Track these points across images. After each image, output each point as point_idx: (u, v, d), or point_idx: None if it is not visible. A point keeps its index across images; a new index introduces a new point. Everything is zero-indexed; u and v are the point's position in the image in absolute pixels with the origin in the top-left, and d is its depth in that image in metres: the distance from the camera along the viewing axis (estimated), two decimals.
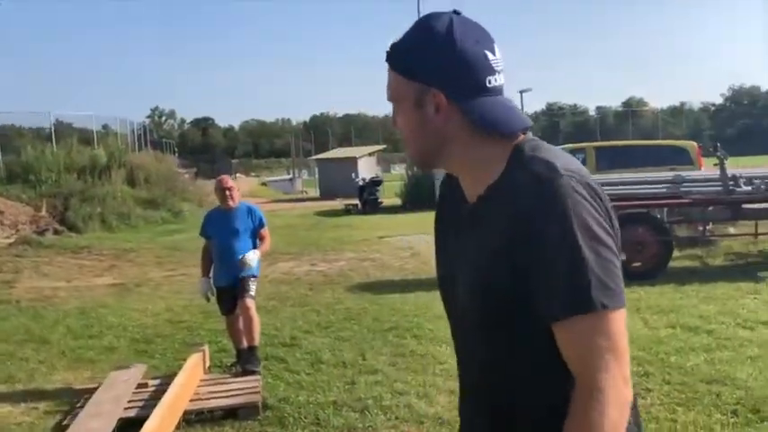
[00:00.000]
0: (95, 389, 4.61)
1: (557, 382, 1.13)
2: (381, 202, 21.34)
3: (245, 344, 5.35)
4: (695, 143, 14.14)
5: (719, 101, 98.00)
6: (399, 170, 47.59)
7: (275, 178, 54.19)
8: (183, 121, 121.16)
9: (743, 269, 8.59)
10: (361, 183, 22.74)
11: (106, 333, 6.84)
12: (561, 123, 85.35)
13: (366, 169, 30.79)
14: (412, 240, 13.14)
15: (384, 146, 41.94)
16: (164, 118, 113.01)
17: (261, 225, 5.35)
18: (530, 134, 1.25)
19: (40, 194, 17.35)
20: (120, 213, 17.65)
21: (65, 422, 4.29)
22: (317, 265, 10.92)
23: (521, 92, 29.67)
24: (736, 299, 6.92)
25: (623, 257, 1.19)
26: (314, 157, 39.53)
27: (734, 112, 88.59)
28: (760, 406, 4.06)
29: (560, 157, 1.18)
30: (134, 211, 18.15)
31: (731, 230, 10.26)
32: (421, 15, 1.29)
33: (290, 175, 48.27)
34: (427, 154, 1.26)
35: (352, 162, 31.70)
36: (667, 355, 5.15)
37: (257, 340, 5.17)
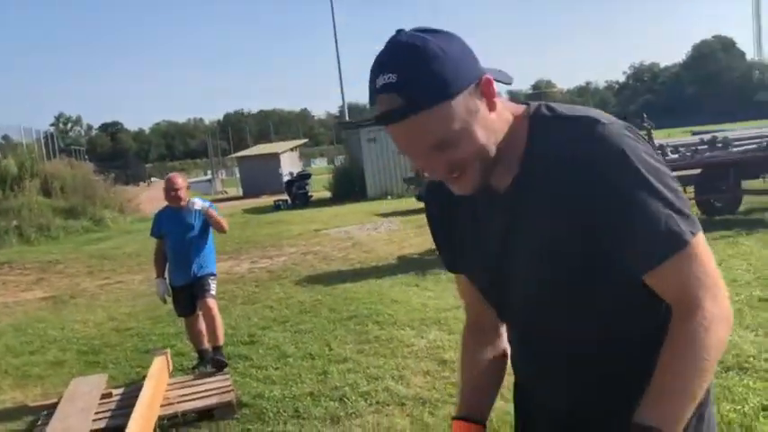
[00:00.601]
0: (54, 404, 4.35)
1: (654, 320, 1.15)
2: (311, 196, 21.17)
3: (206, 345, 5.20)
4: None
5: (622, 79, 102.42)
6: (320, 164, 47.36)
7: (193, 180, 52.81)
8: (89, 126, 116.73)
9: None
10: (289, 177, 22.48)
11: (49, 347, 6.48)
12: None
13: (289, 164, 30.51)
14: (350, 231, 13.11)
15: (306, 140, 41.62)
16: (69, 125, 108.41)
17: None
18: (532, 104, 1.21)
19: None
20: (39, 225, 16.76)
21: None
22: (258, 262, 10.72)
23: None
24: None
25: None
26: (234, 155, 38.77)
27: (636, 90, 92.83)
28: (721, 358, 4.25)
29: (586, 109, 1.17)
30: (53, 222, 17.27)
31: None
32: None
33: (209, 176, 47.20)
34: (497, 155, 1.14)
35: (274, 158, 31.30)
36: None
37: (221, 340, 5.00)
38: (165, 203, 5.28)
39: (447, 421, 3.76)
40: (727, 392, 3.73)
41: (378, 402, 4.20)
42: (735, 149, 9.07)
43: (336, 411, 4.12)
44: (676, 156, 8.91)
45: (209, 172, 52.72)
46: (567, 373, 1.27)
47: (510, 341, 1.42)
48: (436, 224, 1.38)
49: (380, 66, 1.06)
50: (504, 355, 1.44)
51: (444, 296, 6.56)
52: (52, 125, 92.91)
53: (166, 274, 5.26)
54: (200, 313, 5.14)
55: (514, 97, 1.17)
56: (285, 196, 21.47)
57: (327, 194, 22.58)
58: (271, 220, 17.47)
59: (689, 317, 1.05)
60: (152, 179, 57.93)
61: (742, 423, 3.34)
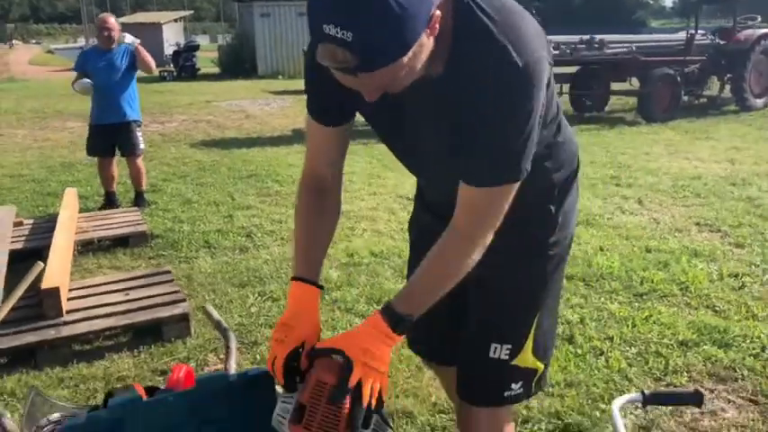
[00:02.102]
0: None
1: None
2: (199, 69, 20.55)
3: (114, 187, 5.53)
4: None
5: None
6: (203, 41, 45.17)
7: (64, 46, 49.09)
8: None
9: None
10: (175, 48, 21.60)
11: None
12: None
13: (172, 36, 29.07)
14: (242, 105, 13.14)
15: (191, 11, 39.43)
16: None
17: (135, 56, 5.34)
18: None
19: None
20: None
21: None
22: (149, 126, 10.57)
23: None
24: None
25: None
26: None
27: None
28: (591, 220, 5.05)
29: (514, 26, 1.16)
30: None
31: None
32: None
33: (81, 43, 43.90)
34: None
35: (156, 28, 29.64)
36: None
37: (145, 186, 5.62)
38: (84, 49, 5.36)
39: (344, 252, 4.33)
40: (578, 239, 4.51)
41: (282, 239, 4.69)
42: (608, 51, 9.93)
43: (245, 243, 4.59)
44: (557, 52, 9.64)
45: (79, 39, 49.01)
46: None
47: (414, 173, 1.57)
48: (316, 75, 1.29)
49: (332, 13, 0.99)
50: (336, 214, 1.51)
51: None
52: None
53: (89, 112, 5.42)
54: (111, 159, 5.41)
55: None
56: (170, 68, 20.70)
57: (215, 70, 22.03)
58: (157, 89, 16.90)
59: (464, 239, 1.26)
60: (14, 41, 53.01)
61: (584, 258, 4.13)
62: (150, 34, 28.64)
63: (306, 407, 1.22)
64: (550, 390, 2.64)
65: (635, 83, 10.63)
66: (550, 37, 10.00)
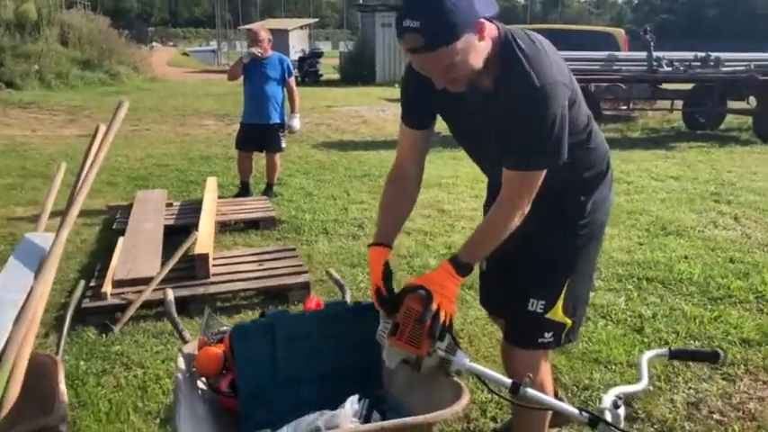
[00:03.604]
0: (129, 206, 5.36)
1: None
2: (321, 75, 21.68)
3: (250, 178, 6.30)
4: (623, 30, 15.19)
5: None
6: (325, 47, 46.87)
7: (198, 49, 52.26)
8: None
9: (656, 140, 9.97)
10: (300, 54, 22.88)
11: (100, 172, 7.39)
12: None
13: (298, 42, 30.56)
14: (360, 110, 13.91)
15: (316, 19, 41.19)
16: None
17: (289, 74, 6.12)
18: (503, 30, 1.67)
19: None
20: (58, 72, 17.39)
21: (114, 226, 5.07)
22: None
23: None
24: (650, 161, 8.25)
25: None
26: (243, 27, 38.47)
27: (655, 7, 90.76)
28: (666, 225, 5.34)
29: (539, 62, 1.62)
30: (71, 71, 17.89)
31: (648, 114, 11.65)
32: None
33: (213, 46, 46.64)
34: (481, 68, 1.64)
35: (283, 34, 31.24)
36: None
37: (275, 180, 6.36)
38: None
39: (443, 245, 4.84)
40: (664, 247, 4.81)
41: None
42: (724, 69, 9.85)
43: (357, 232, 5.19)
44: (670, 69, 9.70)
45: (211, 42, 52.06)
46: None
47: (480, 167, 2.07)
48: (410, 88, 1.85)
49: (407, 11, 1.52)
50: (413, 199, 1.98)
51: (445, 167, 7.53)
52: None
53: (242, 112, 6.26)
54: (251, 154, 6.24)
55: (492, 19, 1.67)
56: (296, 73, 21.93)
57: (335, 76, 23.13)
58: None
59: (507, 208, 1.72)
60: (153, 44, 57.06)
61: (666, 264, 4.43)
62: (278, 40, 30.12)
63: (399, 325, 1.73)
64: (613, 367, 3.04)
65: (753, 102, 10.45)
66: (663, 53, 10.09)
